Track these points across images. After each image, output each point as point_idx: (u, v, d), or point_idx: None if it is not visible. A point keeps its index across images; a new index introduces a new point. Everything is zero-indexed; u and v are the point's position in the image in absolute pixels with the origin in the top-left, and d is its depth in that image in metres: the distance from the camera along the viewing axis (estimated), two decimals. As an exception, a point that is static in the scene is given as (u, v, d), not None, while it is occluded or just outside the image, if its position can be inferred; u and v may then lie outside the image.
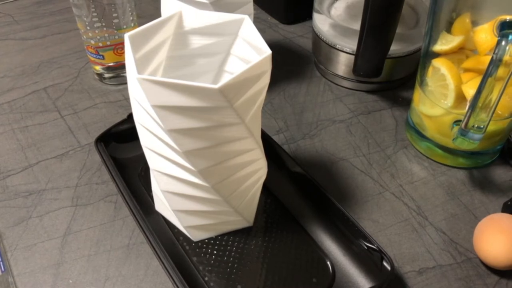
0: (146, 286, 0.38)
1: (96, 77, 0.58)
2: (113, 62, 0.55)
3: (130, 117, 0.48)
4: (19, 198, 0.44)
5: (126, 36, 0.31)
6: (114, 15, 0.51)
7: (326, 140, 0.51)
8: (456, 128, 0.43)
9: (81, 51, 0.62)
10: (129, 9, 0.52)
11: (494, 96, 0.37)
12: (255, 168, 0.36)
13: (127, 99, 0.55)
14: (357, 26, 0.49)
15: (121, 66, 0.56)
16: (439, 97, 0.45)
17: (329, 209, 0.41)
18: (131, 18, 0.53)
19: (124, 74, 0.57)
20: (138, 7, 0.71)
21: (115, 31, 0.53)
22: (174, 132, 0.30)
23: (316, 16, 0.58)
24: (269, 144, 0.45)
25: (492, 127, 0.43)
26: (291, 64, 0.61)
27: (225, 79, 0.30)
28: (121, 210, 0.43)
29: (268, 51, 0.30)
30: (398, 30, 0.48)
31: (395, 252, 0.41)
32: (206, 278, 0.37)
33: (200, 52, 0.36)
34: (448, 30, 0.42)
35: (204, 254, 0.39)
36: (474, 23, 0.41)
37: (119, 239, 0.41)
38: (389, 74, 0.55)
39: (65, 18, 0.69)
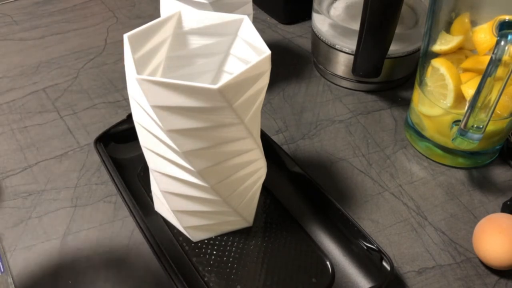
0: (145, 287, 0.38)
1: None
2: None
3: (129, 117, 0.48)
4: (18, 199, 0.44)
5: (125, 37, 0.31)
6: None
7: (326, 140, 0.51)
8: (455, 128, 0.43)
9: (80, 52, 0.62)
10: None
11: (493, 96, 0.37)
12: (255, 168, 0.36)
13: (126, 99, 0.55)
14: (356, 26, 0.49)
15: None
16: (438, 97, 0.45)
17: (329, 209, 0.41)
18: None
19: None
20: (137, 7, 0.71)
21: None
22: (173, 133, 0.30)
23: (315, 16, 0.58)
24: (268, 144, 0.45)
25: (491, 127, 0.43)
26: (290, 64, 0.61)
27: (224, 79, 0.30)
28: (120, 211, 0.43)
29: (267, 51, 0.30)
30: (397, 30, 0.48)
31: (395, 252, 0.41)
32: (205, 279, 0.37)
33: (199, 52, 0.36)
34: (447, 30, 0.42)
35: (204, 254, 0.39)
36: (473, 23, 0.41)
37: (118, 239, 0.41)
38: (389, 74, 0.55)
39: (64, 19, 0.69)
